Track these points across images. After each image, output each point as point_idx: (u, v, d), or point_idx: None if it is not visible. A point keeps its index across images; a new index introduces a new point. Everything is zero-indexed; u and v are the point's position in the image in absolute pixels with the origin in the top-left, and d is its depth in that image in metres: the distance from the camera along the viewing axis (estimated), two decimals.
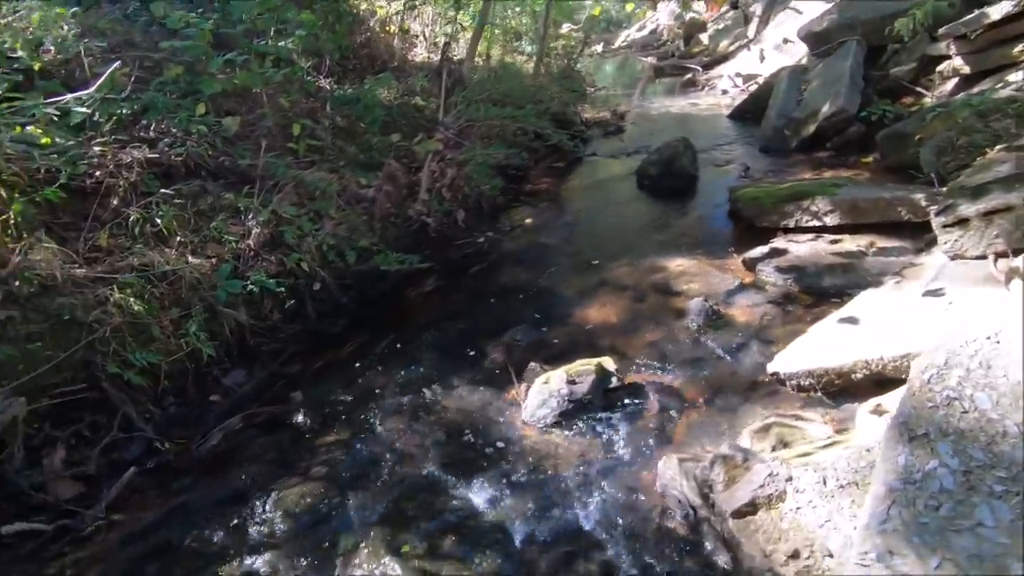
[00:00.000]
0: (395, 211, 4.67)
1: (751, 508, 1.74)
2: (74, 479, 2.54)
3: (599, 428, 2.65)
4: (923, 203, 3.69)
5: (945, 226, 3.00)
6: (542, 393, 2.71)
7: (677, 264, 4.20)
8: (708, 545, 1.96)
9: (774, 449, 2.08)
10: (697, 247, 4.46)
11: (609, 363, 2.86)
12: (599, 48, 17.23)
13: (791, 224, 4.15)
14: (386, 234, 4.52)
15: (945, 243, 3.01)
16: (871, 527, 1.33)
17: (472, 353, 3.40)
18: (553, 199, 6.06)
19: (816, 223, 4.05)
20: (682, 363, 3.07)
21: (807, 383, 2.62)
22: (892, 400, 2.15)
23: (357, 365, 3.37)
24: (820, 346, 2.73)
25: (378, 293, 4.18)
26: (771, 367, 2.74)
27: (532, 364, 3.14)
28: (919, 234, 3.78)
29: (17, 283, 2.62)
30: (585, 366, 2.77)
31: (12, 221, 2.77)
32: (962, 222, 2.97)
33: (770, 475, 1.75)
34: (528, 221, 5.37)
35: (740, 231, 4.61)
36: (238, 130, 3.95)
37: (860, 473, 1.66)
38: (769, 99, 7.44)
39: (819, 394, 2.62)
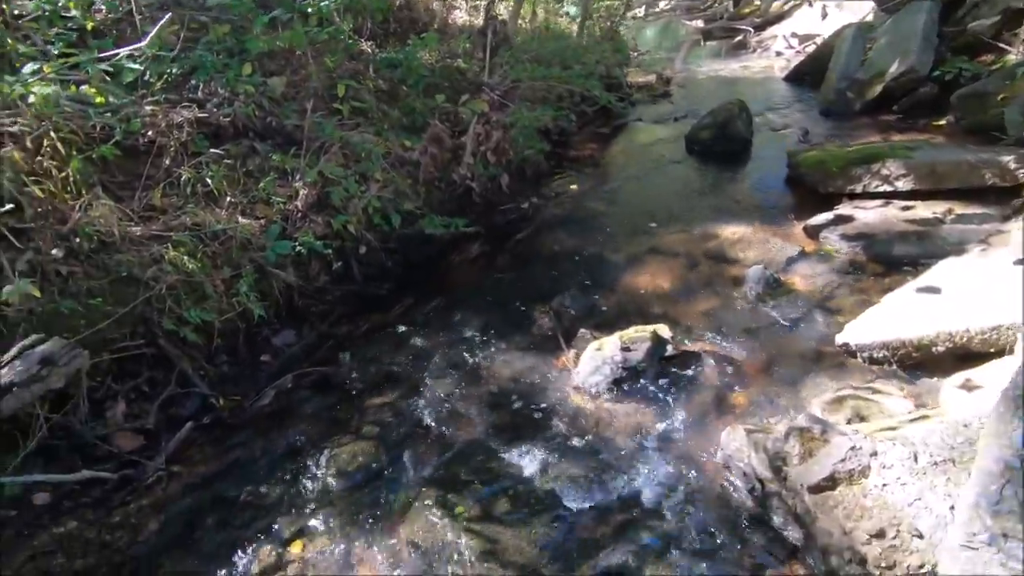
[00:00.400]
0: (439, 175, 4.58)
1: (830, 483, 1.63)
2: (135, 432, 2.60)
3: (654, 397, 2.55)
4: (1013, 166, 3.39)
5: None
6: (595, 359, 2.63)
7: (732, 231, 4.01)
8: (777, 520, 1.87)
9: (849, 422, 1.95)
10: (753, 214, 4.25)
11: (664, 330, 2.75)
12: (641, 11, 16.52)
13: (858, 189, 3.89)
14: (430, 198, 4.45)
15: None
16: (980, 507, 1.21)
17: (519, 319, 3.33)
18: (598, 165, 5.87)
19: (887, 188, 3.79)
20: (741, 332, 2.93)
21: (881, 355, 2.45)
22: (984, 374, 1.98)
23: (404, 328, 3.35)
24: (896, 317, 2.55)
25: (423, 257, 4.13)
26: (840, 338, 2.58)
27: (582, 331, 3.05)
28: (1005, 200, 3.50)
29: (78, 239, 2.66)
30: (639, 333, 2.66)
31: (71, 179, 2.80)
32: None
33: (852, 449, 1.63)
34: (573, 187, 5.22)
35: (800, 197, 4.36)
36: (284, 91, 3.90)
37: (957, 450, 1.53)
38: (830, 60, 6.98)
39: (893, 367, 2.45)
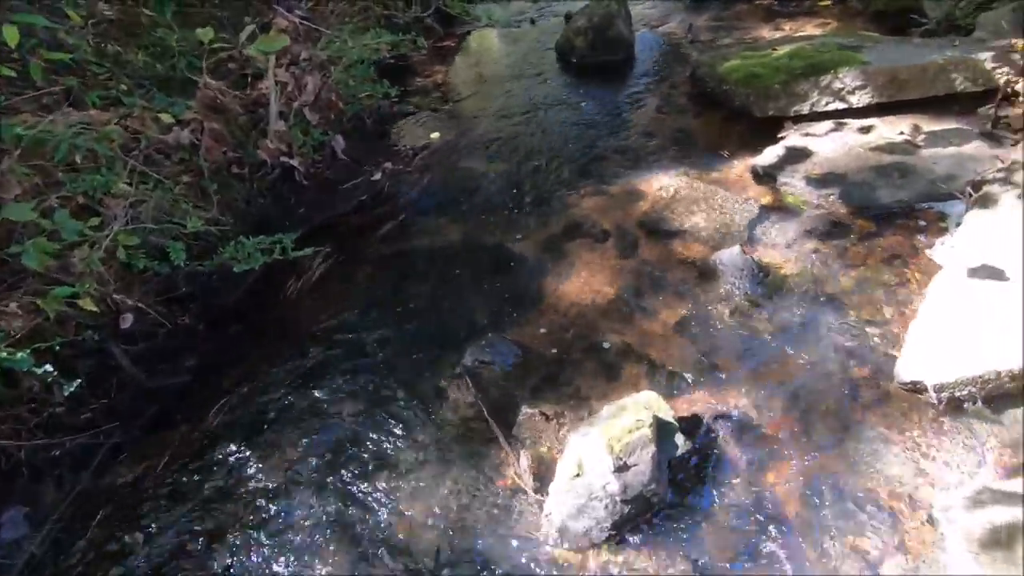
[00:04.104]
0: (237, 156, 3.00)
1: None
2: None
3: (678, 539, 1.61)
4: (990, 65, 2.76)
5: None
6: (576, 494, 1.59)
7: (661, 184, 3.06)
8: None
9: None
10: (675, 153, 3.32)
11: (662, 408, 1.77)
12: None
13: (805, 110, 3.08)
14: (229, 196, 2.91)
15: None
16: None
17: (418, 392, 2.17)
18: (456, 97, 4.50)
19: (839, 105, 3.02)
20: (745, 367, 2.06)
21: (965, 393, 1.72)
22: None
23: (228, 447, 2.03)
24: (965, 327, 1.81)
25: (240, 295, 2.70)
26: (904, 372, 1.81)
27: (524, 410, 2.00)
28: (968, 108, 2.90)
29: None
30: (634, 432, 1.65)
31: None
32: None
33: None
34: (434, 136, 3.87)
35: (724, 122, 3.49)
36: None
37: None
38: None
39: (978, 405, 1.74)
